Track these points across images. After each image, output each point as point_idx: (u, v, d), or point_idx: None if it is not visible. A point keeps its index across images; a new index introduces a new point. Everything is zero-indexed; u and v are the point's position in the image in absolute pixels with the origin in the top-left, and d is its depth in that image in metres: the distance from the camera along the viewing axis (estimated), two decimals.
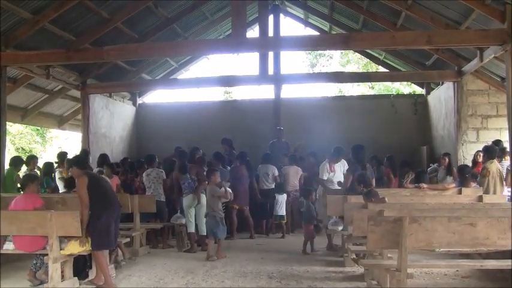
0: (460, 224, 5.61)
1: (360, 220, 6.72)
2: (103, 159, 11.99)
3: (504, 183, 9.70)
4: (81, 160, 7.96)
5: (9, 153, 14.35)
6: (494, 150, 9.77)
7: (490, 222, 5.75)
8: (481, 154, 10.68)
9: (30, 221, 6.94)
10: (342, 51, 26.47)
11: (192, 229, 10.57)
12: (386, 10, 12.68)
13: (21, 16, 10.41)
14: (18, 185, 9.67)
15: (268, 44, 11.01)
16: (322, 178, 10.99)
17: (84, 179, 7.21)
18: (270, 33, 11.93)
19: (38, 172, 11.89)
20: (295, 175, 12.58)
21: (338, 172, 11.03)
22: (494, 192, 9.26)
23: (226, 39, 16.40)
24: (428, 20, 11.04)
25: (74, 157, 9.02)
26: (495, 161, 9.52)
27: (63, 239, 7.11)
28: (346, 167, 10.93)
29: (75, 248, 7.11)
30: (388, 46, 10.90)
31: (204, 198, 10.57)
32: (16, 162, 10.60)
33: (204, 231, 10.53)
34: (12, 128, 24.85)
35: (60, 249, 7.02)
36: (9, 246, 7.21)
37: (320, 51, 28.07)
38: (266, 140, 14.62)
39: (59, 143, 27.64)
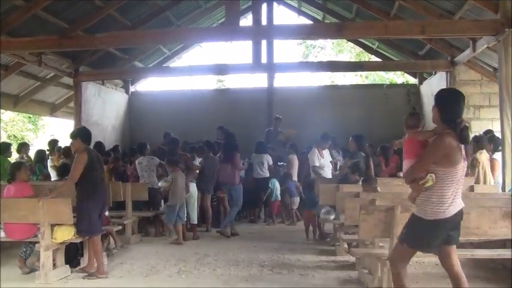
0: None
1: (352, 209, 6.72)
2: (99, 147, 11.94)
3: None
4: (86, 133, 7.51)
5: (2, 141, 14.23)
6: (483, 141, 9.79)
7: (481, 212, 5.79)
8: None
9: (21, 209, 6.93)
10: (335, 41, 26.44)
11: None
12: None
13: (13, 3, 10.34)
14: None
15: (262, 33, 10.97)
16: (315, 165, 11.03)
17: (83, 157, 7.11)
18: (264, 21, 11.89)
19: (29, 159, 11.84)
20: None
21: (326, 159, 11.13)
22: (485, 182, 9.28)
23: (219, 27, 16.35)
24: (421, 10, 11.02)
25: (79, 128, 8.67)
26: (484, 151, 9.54)
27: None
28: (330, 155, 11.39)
29: (64, 234, 7.10)
30: (381, 35, 10.92)
31: (194, 187, 10.58)
32: (5, 148, 10.52)
33: (195, 219, 10.57)
34: (4, 115, 24.72)
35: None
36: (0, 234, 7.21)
37: (312, 42, 27.97)
38: (258, 129, 14.61)
39: (51, 130, 27.52)
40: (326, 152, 11.27)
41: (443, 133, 4.51)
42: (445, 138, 4.45)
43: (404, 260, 4.80)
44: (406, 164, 4.82)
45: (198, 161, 11.43)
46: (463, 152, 4.53)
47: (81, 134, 7.44)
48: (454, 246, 4.77)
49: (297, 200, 12.49)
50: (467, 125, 4.49)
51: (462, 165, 4.50)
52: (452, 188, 4.48)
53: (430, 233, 4.57)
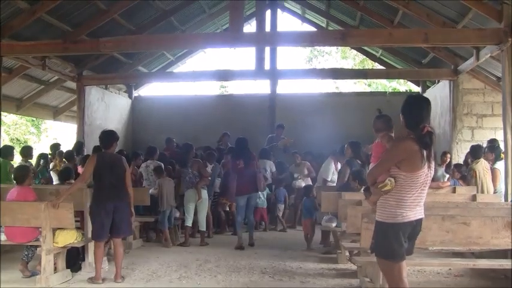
0: (453, 223, 5.63)
1: (353, 217, 6.71)
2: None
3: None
4: (100, 136, 7.49)
5: (4, 144, 14.28)
6: (479, 150, 9.80)
7: (484, 221, 5.77)
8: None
9: (24, 212, 6.93)
10: (338, 47, 26.46)
11: (188, 223, 10.57)
12: (383, 7, 12.68)
13: (18, 6, 10.38)
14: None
15: (265, 39, 10.97)
16: (327, 179, 11.01)
17: (92, 159, 7.28)
18: (267, 28, 11.92)
19: (33, 162, 11.88)
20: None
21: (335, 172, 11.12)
22: (482, 192, 9.29)
23: (223, 33, 16.39)
24: (425, 18, 11.04)
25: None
26: (481, 160, 9.54)
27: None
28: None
29: (65, 239, 7.11)
30: (385, 43, 10.90)
31: (205, 194, 10.61)
32: (7, 152, 10.53)
33: (203, 226, 10.59)
34: (7, 119, 24.76)
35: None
36: (1, 237, 7.20)
37: (318, 47, 28.01)
38: (261, 135, 14.61)
39: (54, 134, 27.56)
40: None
41: (404, 138, 4.57)
42: (403, 143, 4.51)
43: (401, 273, 4.57)
44: (371, 168, 4.85)
45: (209, 167, 11.38)
46: (431, 159, 4.49)
47: (99, 137, 7.51)
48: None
49: (281, 207, 12.56)
50: (430, 130, 4.46)
51: (425, 172, 4.44)
52: (412, 194, 4.44)
53: (392, 239, 4.46)
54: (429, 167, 4.48)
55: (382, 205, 4.57)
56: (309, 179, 12.57)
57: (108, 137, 7.43)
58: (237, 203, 10.42)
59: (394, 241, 4.46)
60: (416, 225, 4.55)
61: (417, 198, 4.48)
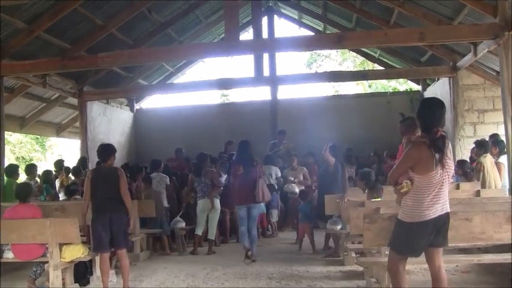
0: (455, 219, 5.62)
1: (356, 218, 6.73)
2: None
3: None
4: (97, 151, 7.54)
5: (10, 163, 14.38)
6: (486, 144, 9.77)
7: (486, 216, 5.78)
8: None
9: (29, 229, 6.95)
10: (338, 50, 26.48)
11: (199, 232, 10.63)
12: (379, 8, 12.71)
13: (16, 26, 10.46)
14: None
15: (262, 46, 11.03)
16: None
17: (88, 176, 7.41)
18: (265, 34, 11.95)
19: (38, 180, 11.95)
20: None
21: None
22: (490, 186, 9.25)
23: (219, 42, 16.42)
24: (420, 16, 11.06)
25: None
26: (488, 155, 9.51)
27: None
28: None
29: (72, 253, 7.15)
30: (381, 44, 10.92)
31: (217, 203, 10.66)
32: (12, 171, 10.60)
33: (213, 235, 10.63)
34: (12, 138, 24.87)
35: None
36: (8, 255, 7.24)
37: (317, 52, 28.07)
38: (264, 141, 14.65)
39: (59, 150, 27.64)
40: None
41: (416, 143, 4.87)
42: (416, 148, 4.81)
43: (399, 266, 5.01)
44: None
45: (224, 177, 11.39)
46: (445, 161, 4.70)
47: (97, 151, 7.55)
48: (439, 249, 5.00)
49: (274, 212, 12.47)
50: (443, 134, 4.70)
51: (439, 172, 4.68)
52: (429, 194, 4.71)
53: (410, 236, 4.81)
54: (443, 167, 4.69)
55: (402, 205, 4.93)
56: (303, 186, 12.31)
57: (105, 150, 7.47)
58: (237, 214, 9.78)
59: (409, 239, 4.83)
60: (439, 220, 4.77)
61: (435, 197, 4.72)
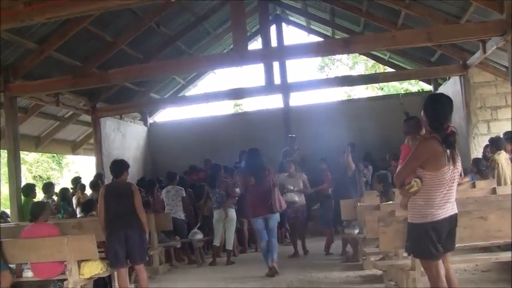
0: (471, 218, 5.60)
1: (372, 222, 6.71)
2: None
3: None
4: (110, 167, 7.75)
5: (26, 182, 14.56)
6: (500, 141, 9.68)
7: (502, 214, 5.72)
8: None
9: (47, 247, 7.00)
10: (349, 55, 26.46)
11: (216, 243, 10.67)
12: (385, 10, 12.67)
13: (27, 47, 10.57)
14: None
15: (270, 55, 11.05)
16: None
17: (102, 191, 7.50)
18: (274, 43, 11.96)
19: (55, 198, 12.07)
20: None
21: None
22: (506, 183, 9.17)
23: (228, 53, 16.49)
24: (427, 16, 11.02)
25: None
26: (503, 151, 9.43)
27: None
28: None
29: (91, 270, 7.20)
30: (389, 46, 10.89)
31: (233, 213, 10.66)
32: (28, 190, 10.72)
33: (230, 245, 10.63)
34: (29, 157, 25.13)
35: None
36: (28, 274, 7.30)
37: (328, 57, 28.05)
38: (279, 149, 14.64)
39: (76, 168, 27.87)
40: None
41: (426, 138, 4.64)
42: (427, 143, 4.56)
43: (434, 270, 4.66)
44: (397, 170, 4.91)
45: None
46: (456, 157, 4.57)
47: (109, 167, 7.71)
48: (448, 253, 4.80)
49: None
50: (454, 130, 4.54)
51: (450, 168, 4.51)
52: (440, 192, 4.51)
53: (425, 238, 4.54)
54: (454, 163, 4.55)
55: (411, 206, 4.66)
56: (302, 194, 11.20)
57: (117, 166, 7.59)
58: (255, 226, 9.43)
59: (427, 241, 4.53)
60: (450, 221, 4.59)
61: (446, 195, 4.53)
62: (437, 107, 4.66)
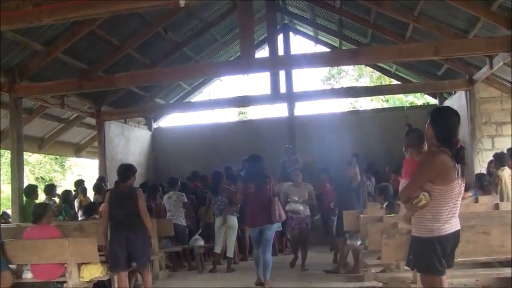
0: (473, 233, 5.60)
1: (375, 233, 6.70)
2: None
3: None
4: (117, 171, 7.73)
5: (29, 183, 14.58)
6: (504, 157, 9.67)
7: (504, 229, 5.74)
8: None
9: (48, 249, 7.00)
10: (355, 66, 26.50)
11: (217, 250, 10.62)
12: (393, 23, 12.68)
13: (33, 48, 10.60)
14: None
15: (277, 63, 11.07)
16: None
17: (107, 194, 7.61)
18: (281, 52, 11.96)
19: (57, 200, 12.07)
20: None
21: None
22: (508, 199, 9.15)
23: (235, 61, 16.51)
24: (435, 30, 11.03)
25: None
26: (506, 167, 9.41)
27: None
28: None
29: (91, 273, 7.19)
30: (395, 59, 10.92)
31: (234, 220, 10.62)
32: (30, 191, 10.73)
33: (231, 252, 10.60)
34: (31, 158, 25.14)
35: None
36: (27, 275, 7.29)
37: (335, 68, 28.08)
38: (282, 159, 14.64)
39: (79, 170, 27.89)
40: None
41: (437, 151, 4.46)
42: (438, 157, 4.41)
43: (439, 285, 4.58)
44: (402, 184, 4.79)
45: None
46: (460, 170, 4.44)
47: (117, 171, 7.73)
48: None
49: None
50: (463, 145, 4.45)
51: (459, 183, 4.42)
52: (448, 206, 4.41)
53: (430, 253, 4.44)
54: (462, 178, 4.46)
55: (418, 220, 4.53)
56: (307, 205, 10.72)
57: (125, 170, 7.61)
58: (250, 235, 9.15)
59: (433, 256, 4.43)
60: (454, 237, 4.51)
61: (452, 210, 4.44)
62: (447, 120, 4.53)
